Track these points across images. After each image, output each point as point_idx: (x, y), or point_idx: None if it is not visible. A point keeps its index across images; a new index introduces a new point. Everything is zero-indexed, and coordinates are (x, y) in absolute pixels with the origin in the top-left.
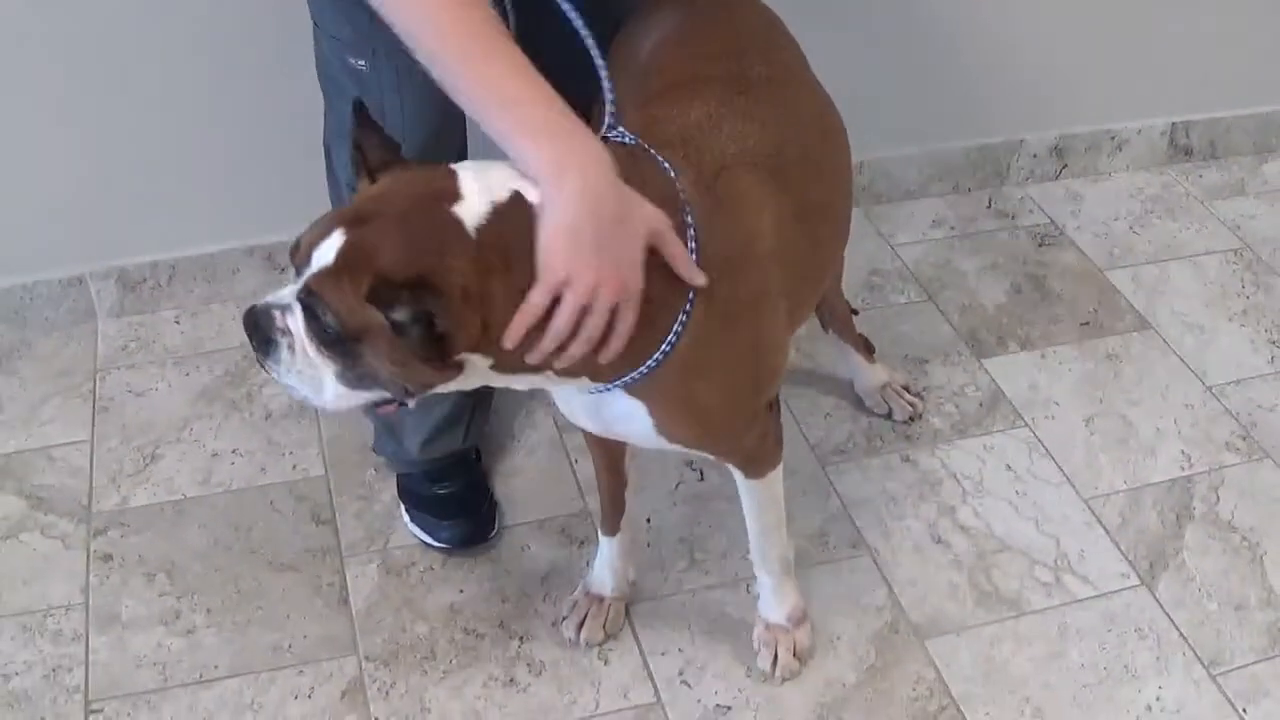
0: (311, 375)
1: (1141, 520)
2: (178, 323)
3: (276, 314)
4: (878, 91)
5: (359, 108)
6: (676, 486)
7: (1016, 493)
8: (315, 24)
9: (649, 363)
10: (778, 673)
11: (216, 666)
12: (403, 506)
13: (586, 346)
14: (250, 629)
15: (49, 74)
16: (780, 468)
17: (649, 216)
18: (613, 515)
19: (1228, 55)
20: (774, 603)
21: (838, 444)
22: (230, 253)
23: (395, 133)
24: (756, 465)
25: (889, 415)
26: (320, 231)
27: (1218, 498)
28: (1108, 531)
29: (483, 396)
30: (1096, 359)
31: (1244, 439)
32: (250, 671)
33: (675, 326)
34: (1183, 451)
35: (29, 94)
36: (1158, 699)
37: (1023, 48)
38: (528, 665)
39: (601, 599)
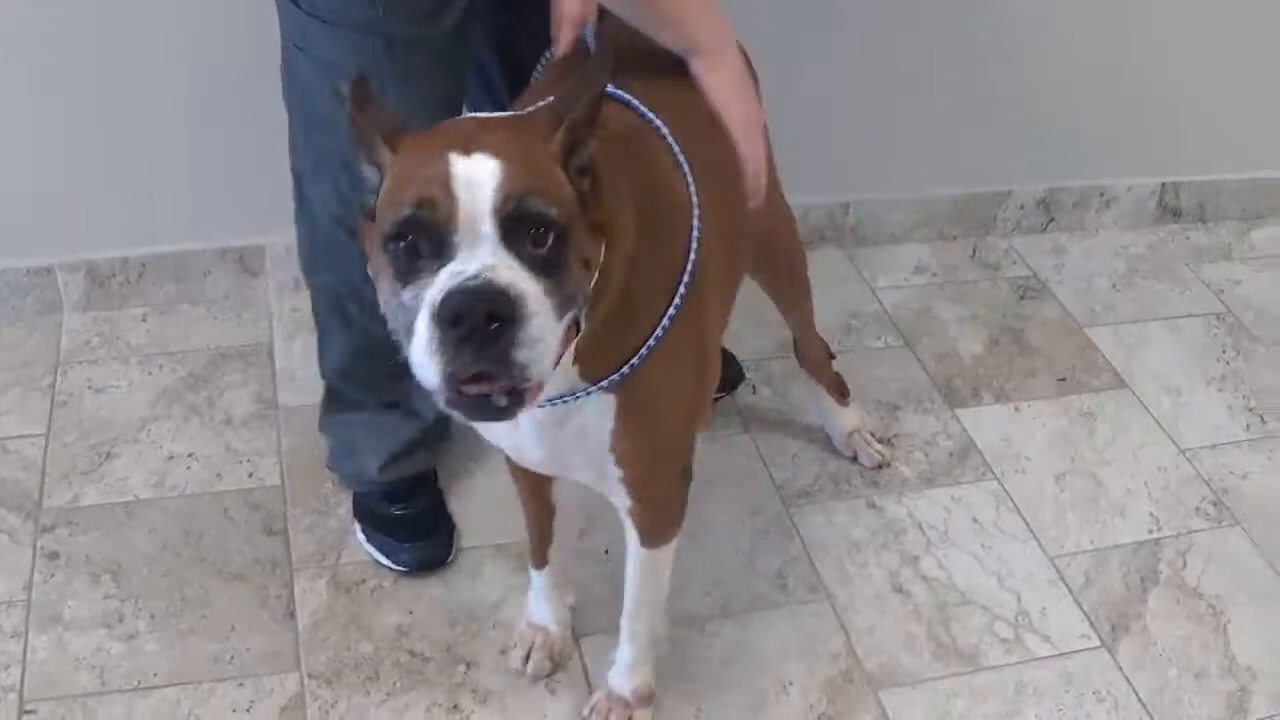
0: (543, 326)
1: (1106, 581)
2: (144, 321)
3: (494, 278)
4: (868, 134)
5: (361, 82)
6: None
7: (981, 546)
8: (299, 49)
9: (642, 350)
10: None
11: (156, 674)
12: (358, 526)
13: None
14: (193, 638)
15: (29, 63)
16: (674, 544)
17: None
18: (541, 547)
19: (1221, 118)
20: (626, 676)
21: (803, 486)
22: (202, 253)
23: None
24: (659, 529)
25: (855, 459)
26: (445, 169)
27: (1185, 563)
28: (1071, 591)
29: (446, 423)
30: (1071, 416)
31: (1215, 505)
32: (190, 681)
33: (670, 310)
34: (1152, 514)
35: (3, 82)
36: None
37: (1017, 99)
38: (473, 693)
39: (546, 630)
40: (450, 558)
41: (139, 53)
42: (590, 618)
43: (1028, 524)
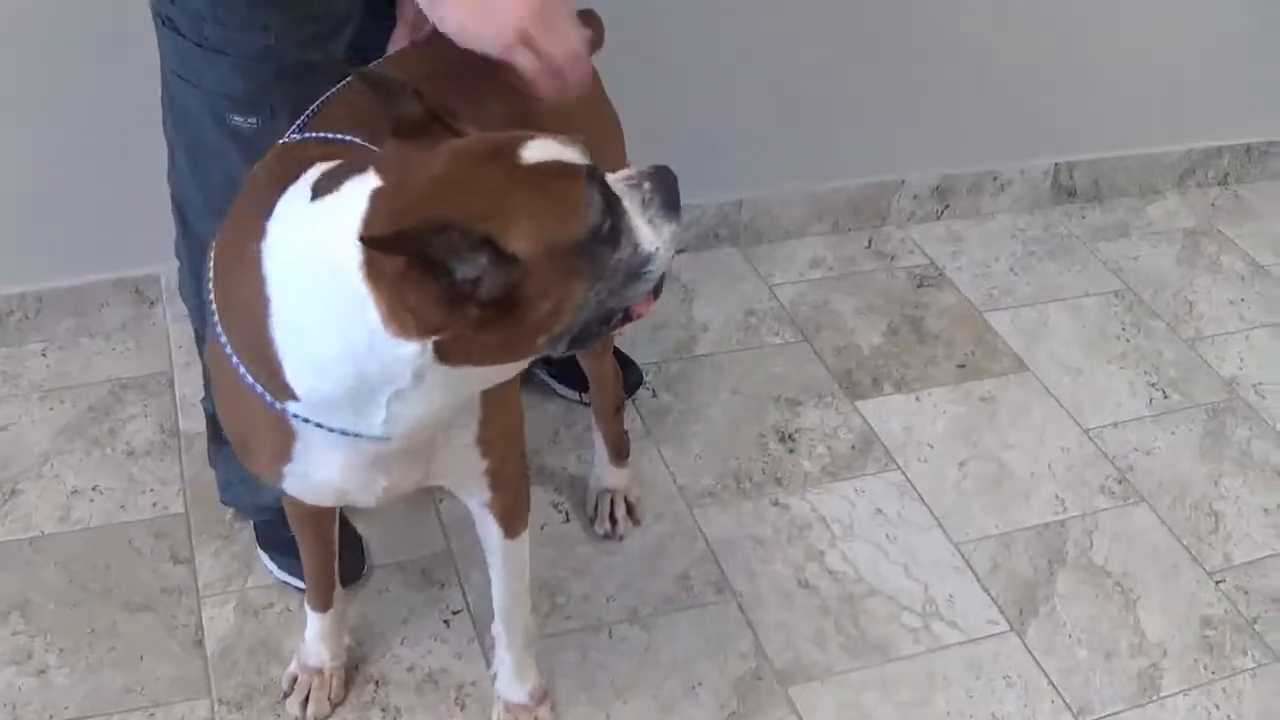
0: None
1: (1013, 565)
2: (44, 355)
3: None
4: (759, 131)
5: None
6: (541, 528)
7: (886, 536)
8: (181, 78)
9: None
10: None
11: (67, 707)
12: (265, 555)
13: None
14: (103, 670)
15: None
16: (528, 530)
17: None
18: (326, 590)
19: (1111, 96)
20: (516, 681)
21: (706, 486)
22: (98, 285)
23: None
24: (519, 513)
25: (592, 521)
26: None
27: (1091, 543)
28: (978, 576)
29: None
30: (972, 401)
31: (1120, 482)
32: (101, 713)
33: None
34: (1057, 495)
35: None
36: None
37: (906, 88)
38: (382, 710)
39: (321, 671)
40: (365, 570)
41: (18, 85)
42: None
43: (932, 512)
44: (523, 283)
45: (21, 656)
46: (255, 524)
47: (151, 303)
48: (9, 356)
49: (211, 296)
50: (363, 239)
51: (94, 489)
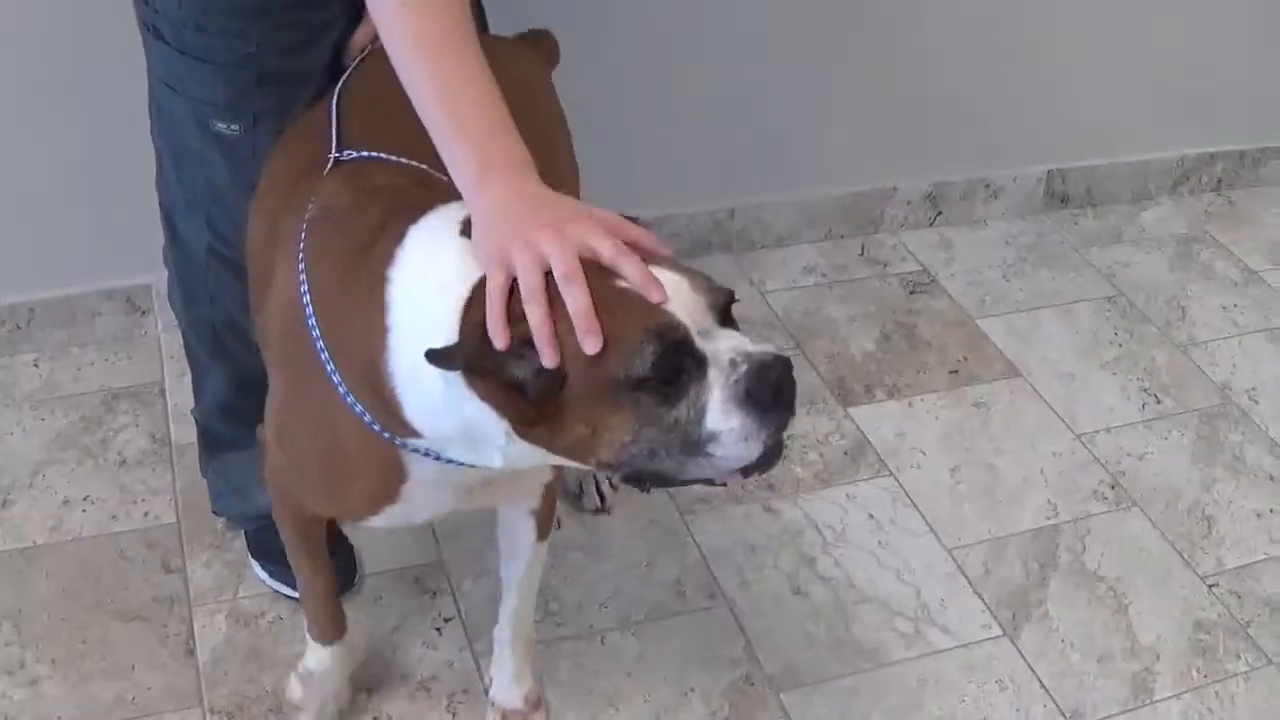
0: None
1: (1005, 570)
2: (36, 366)
3: (761, 346)
4: (751, 138)
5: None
6: None
7: (879, 543)
8: (167, 86)
9: None
10: None
11: (59, 718)
12: (257, 564)
13: (583, 301)
14: (95, 680)
15: None
16: None
17: (576, 204)
18: (336, 616)
19: (1105, 103)
20: (514, 685)
21: (699, 493)
22: (90, 295)
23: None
24: (550, 518)
25: (579, 498)
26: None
27: (1084, 547)
28: (970, 582)
29: None
30: (964, 407)
31: (1112, 488)
32: None
33: None
34: (1049, 500)
35: None
36: None
37: (899, 95)
38: (374, 719)
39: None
40: (357, 578)
41: (8, 95)
42: (488, 638)
43: (924, 518)
44: (564, 396)
45: (14, 667)
46: (247, 533)
47: (143, 312)
48: (1, 367)
49: (316, 333)
50: (427, 354)
51: (86, 499)
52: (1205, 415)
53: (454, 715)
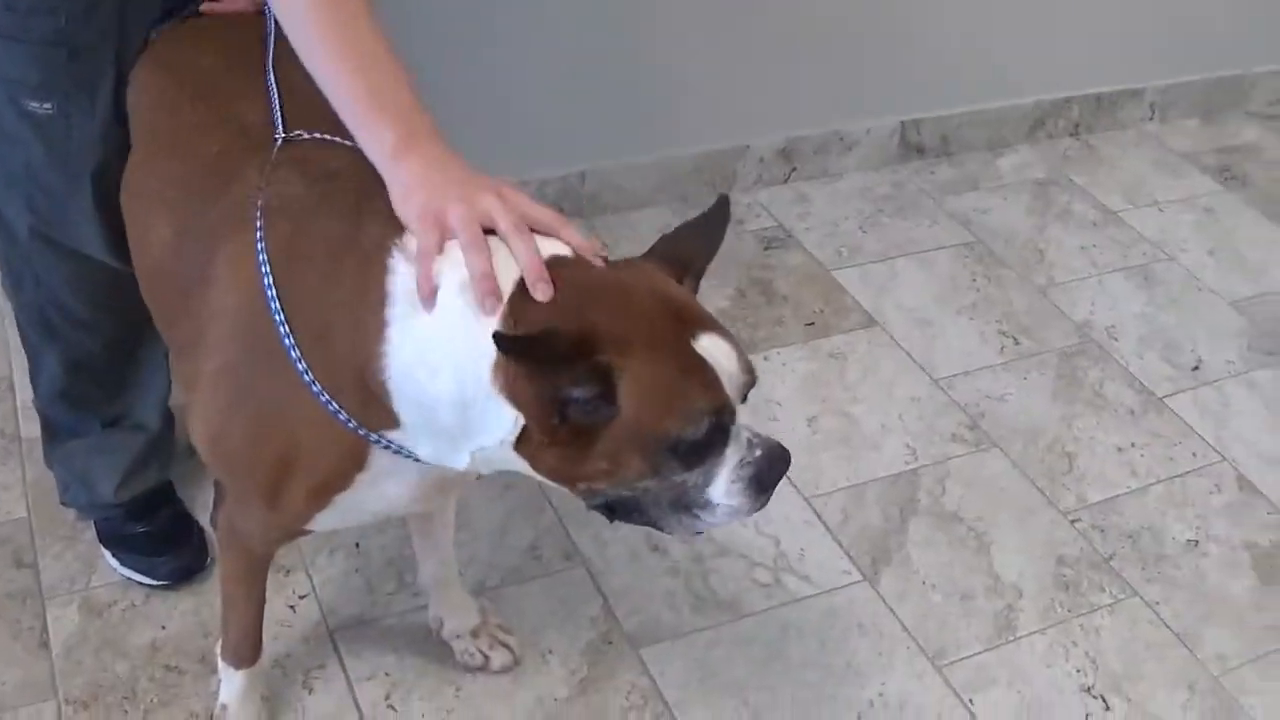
0: None
1: (864, 516)
2: None
3: (768, 438)
4: (599, 101)
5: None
6: None
7: None
8: None
9: None
10: (498, 663)
11: None
12: (108, 553)
13: (532, 253)
14: None
15: None
16: None
17: (485, 177)
18: (259, 642)
19: (955, 52)
20: (468, 608)
21: None
22: None
23: (79, 174)
24: None
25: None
26: (709, 366)
27: (943, 489)
28: (829, 529)
29: (168, 426)
30: (821, 359)
31: (971, 429)
32: None
33: None
34: (908, 445)
35: None
36: (880, 694)
37: (748, 52)
38: None
39: None
40: (209, 562)
41: None
42: (343, 613)
43: None
44: (604, 431)
45: None
46: (96, 523)
47: None
48: None
49: (284, 329)
50: (497, 336)
51: None
52: (1064, 354)
53: (310, 691)
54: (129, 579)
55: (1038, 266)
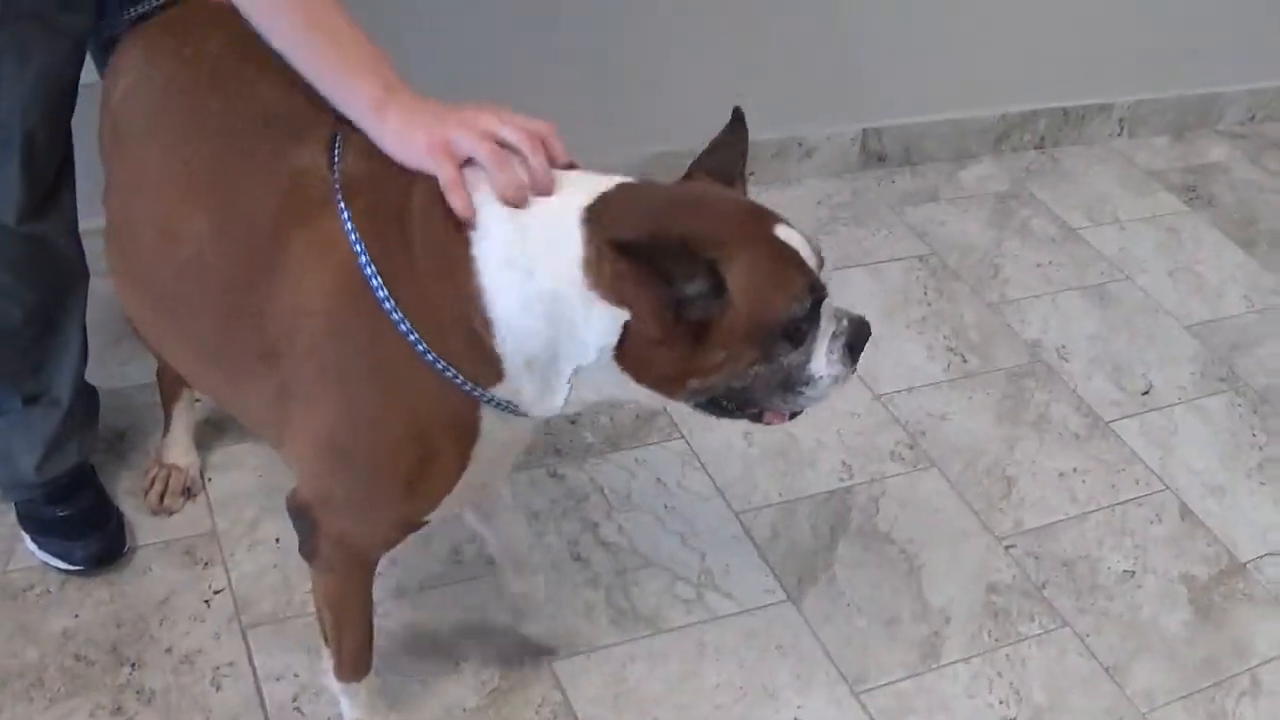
0: None
1: (794, 533)
2: None
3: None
4: (561, 102)
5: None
6: None
7: (665, 507)
8: None
9: None
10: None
11: None
12: (27, 536)
13: (541, 161)
14: None
15: None
16: None
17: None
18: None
19: (920, 61)
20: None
21: None
22: None
23: (12, 107)
24: None
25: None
26: (796, 250)
27: (877, 509)
28: (757, 545)
29: (90, 409)
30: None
31: (910, 448)
32: None
33: None
34: (844, 462)
35: None
36: (795, 719)
37: (705, 53)
38: (137, 693)
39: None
40: (126, 547)
41: None
42: (257, 611)
43: (714, 481)
44: (718, 322)
45: None
46: (16, 505)
47: None
48: None
49: (390, 305)
50: (617, 241)
51: None
52: (1012, 374)
53: (218, 688)
54: (46, 564)
55: (992, 282)
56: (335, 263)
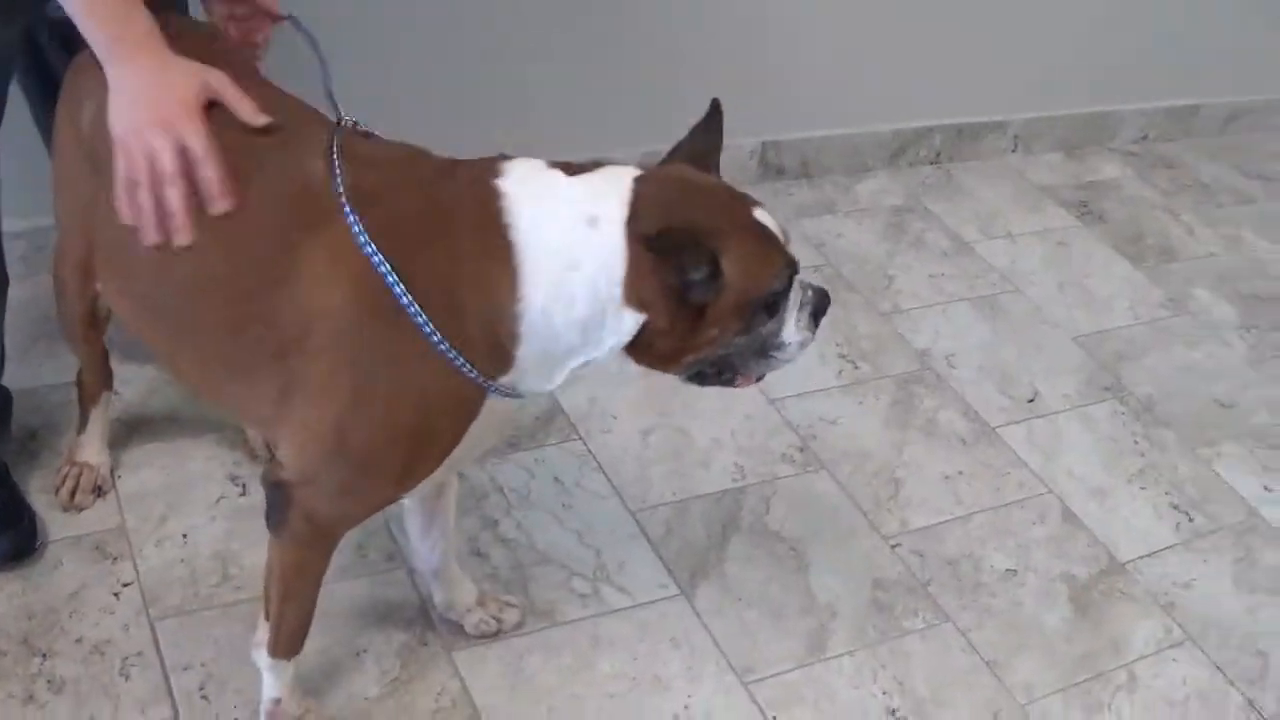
0: None
1: (687, 531)
2: None
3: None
4: (451, 110)
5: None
6: (218, 501)
7: (563, 505)
8: None
9: None
10: (512, 622)
11: None
12: None
13: (218, 174)
14: None
15: None
16: None
17: (197, 69)
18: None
19: (818, 76)
20: (467, 584)
21: None
22: None
23: None
24: None
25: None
26: (773, 232)
27: (768, 508)
28: (651, 543)
29: (4, 410)
30: (657, 374)
31: (801, 450)
32: None
33: None
34: (737, 463)
35: None
36: (686, 708)
37: (605, 66)
38: (48, 682)
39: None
40: (39, 543)
41: None
42: (165, 602)
43: (610, 481)
44: (714, 304)
45: None
46: None
47: None
48: None
49: (407, 300)
50: (644, 234)
51: None
52: (901, 380)
53: (127, 678)
54: None
55: (885, 292)
56: (346, 268)
